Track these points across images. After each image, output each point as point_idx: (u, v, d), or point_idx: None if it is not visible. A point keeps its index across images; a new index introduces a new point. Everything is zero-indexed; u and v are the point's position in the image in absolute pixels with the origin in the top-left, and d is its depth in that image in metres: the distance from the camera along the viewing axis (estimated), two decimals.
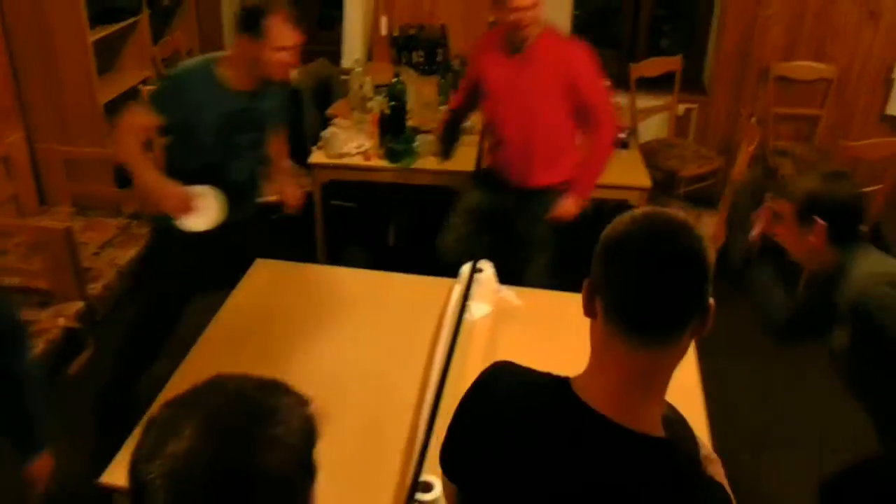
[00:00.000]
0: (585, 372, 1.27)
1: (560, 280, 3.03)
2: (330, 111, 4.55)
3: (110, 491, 2.03)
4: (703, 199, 4.76)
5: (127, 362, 3.03)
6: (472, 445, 1.32)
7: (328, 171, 3.99)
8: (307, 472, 1.02)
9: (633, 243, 1.17)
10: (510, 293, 2.75)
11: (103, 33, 4.19)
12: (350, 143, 4.01)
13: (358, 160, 3.94)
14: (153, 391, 2.32)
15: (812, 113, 4.94)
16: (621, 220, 1.20)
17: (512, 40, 3.23)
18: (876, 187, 3.95)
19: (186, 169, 2.76)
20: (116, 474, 2.02)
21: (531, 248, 3.49)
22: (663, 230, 1.16)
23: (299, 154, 4.42)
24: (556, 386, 1.27)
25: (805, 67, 4.87)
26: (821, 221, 2.10)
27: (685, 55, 4.99)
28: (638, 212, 1.22)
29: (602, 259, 1.20)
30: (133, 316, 3.07)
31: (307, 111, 4.47)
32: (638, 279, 1.14)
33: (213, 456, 0.94)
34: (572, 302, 2.70)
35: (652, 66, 4.93)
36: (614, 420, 1.17)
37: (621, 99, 4.80)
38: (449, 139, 3.72)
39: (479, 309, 2.66)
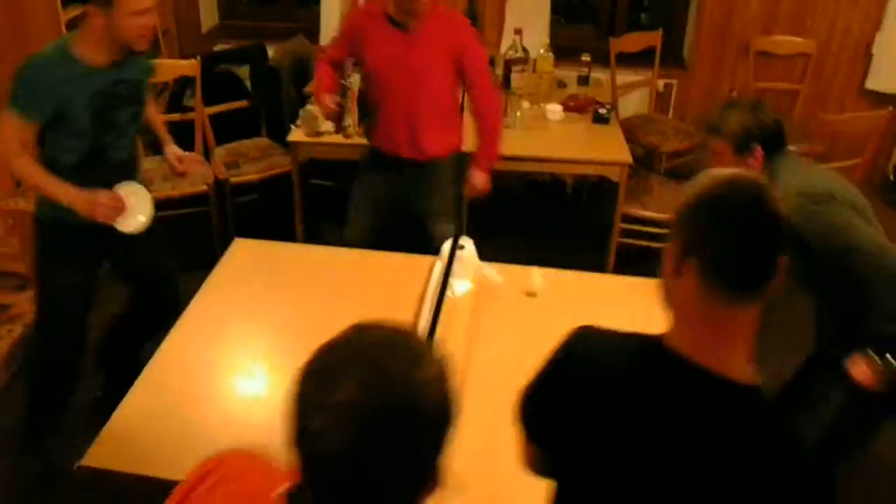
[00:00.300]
0: (674, 330, 1.32)
1: (539, 256, 3.03)
2: (308, 89, 4.51)
3: (92, 472, 2.02)
4: (684, 175, 4.76)
5: (47, 379, 2.96)
6: (570, 410, 1.38)
7: (307, 149, 3.96)
8: (454, 411, 1.06)
9: (735, 207, 1.24)
10: (491, 270, 2.75)
11: (76, 12, 4.12)
12: (328, 122, 3.97)
13: (337, 138, 3.90)
14: (133, 374, 2.30)
15: (792, 87, 4.95)
16: (711, 184, 1.27)
17: (403, 12, 3.09)
18: (854, 161, 3.95)
19: (67, 162, 2.59)
20: (95, 457, 2.01)
21: (437, 219, 3.42)
22: (756, 193, 1.24)
23: (277, 132, 4.40)
24: (651, 344, 1.33)
25: (785, 42, 4.87)
26: (759, 149, 2.32)
27: (665, 30, 4.97)
28: (723, 175, 1.29)
29: (700, 221, 1.26)
30: (38, 328, 2.99)
31: (285, 89, 4.43)
32: (742, 240, 1.23)
33: (377, 401, 0.98)
34: (553, 276, 2.74)
35: (631, 41, 4.90)
36: (715, 372, 1.25)
37: (601, 74, 4.79)
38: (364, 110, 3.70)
39: (460, 286, 2.65)
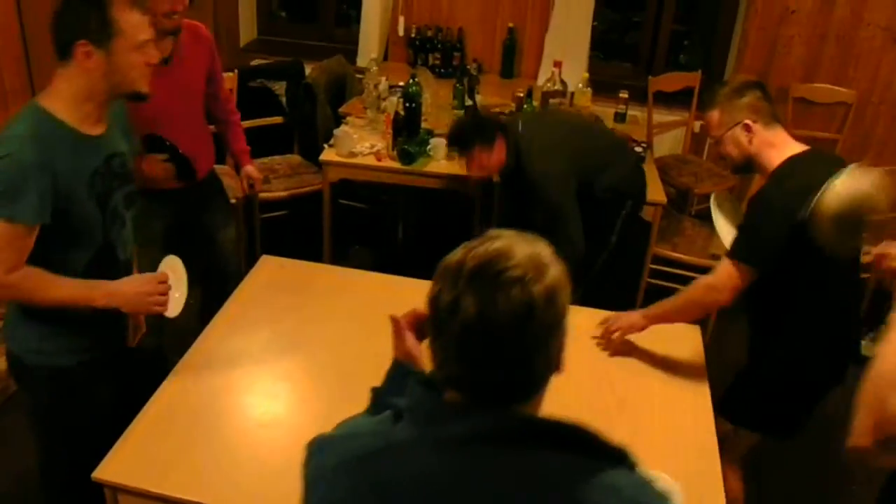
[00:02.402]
0: None
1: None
2: (343, 109, 4.50)
3: (105, 487, 1.98)
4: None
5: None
6: None
7: (339, 170, 3.94)
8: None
9: None
10: None
11: None
12: (362, 143, 3.96)
13: (369, 160, 3.88)
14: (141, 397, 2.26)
15: (829, 136, 4.88)
16: None
17: (161, 44, 2.59)
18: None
19: (69, 274, 2.01)
20: (109, 470, 1.97)
21: (221, 230, 3.32)
22: None
23: (310, 150, 4.39)
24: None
25: (825, 90, 4.81)
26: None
27: (704, 71, 4.93)
28: None
29: None
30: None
31: (320, 108, 4.42)
32: None
33: (501, 306, 1.06)
34: (583, 315, 2.69)
35: (670, 81, 4.87)
36: None
37: (637, 112, 4.76)
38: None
39: None
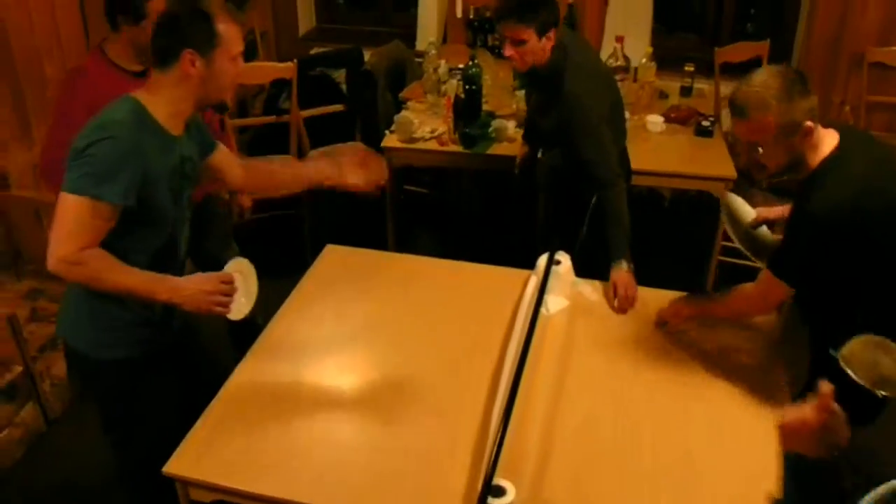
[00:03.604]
0: None
1: (636, 274, 2.91)
2: (403, 94, 4.47)
3: (176, 481, 2.00)
4: (788, 191, 4.56)
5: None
6: None
7: (401, 155, 3.91)
8: None
9: None
10: (587, 287, 2.65)
11: None
12: (424, 128, 3.93)
13: (432, 145, 3.85)
14: (219, 380, 2.28)
15: None
16: None
17: (137, 58, 2.67)
18: None
19: (134, 261, 2.03)
20: (178, 464, 1.99)
21: (224, 254, 3.10)
22: None
23: (372, 137, 4.37)
24: None
25: None
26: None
27: (773, 40, 4.77)
28: None
29: None
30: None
31: (381, 94, 4.40)
32: None
33: None
34: (651, 296, 2.63)
35: (737, 51, 4.72)
36: None
37: (704, 85, 4.63)
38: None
39: (555, 303, 2.56)
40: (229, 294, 2.06)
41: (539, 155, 3.42)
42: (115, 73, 2.66)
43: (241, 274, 2.18)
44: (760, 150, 2.10)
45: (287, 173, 2.59)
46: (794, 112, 2.03)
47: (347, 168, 2.50)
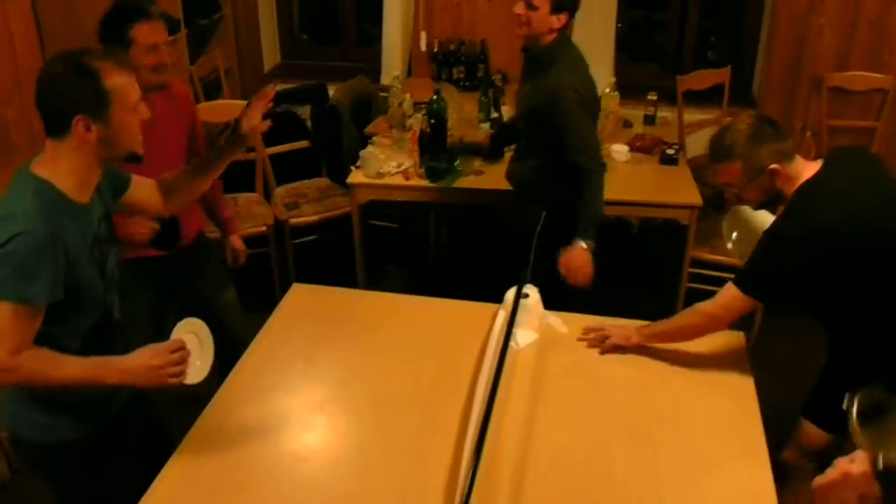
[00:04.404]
0: None
1: (604, 302, 2.90)
2: (369, 129, 4.47)
3: None
4: None
5: None
6: None
7: (367, 191, 3.90)
8: None
9: None
10: (557, 320, 2.63)
11: None
12: (389, 162, 3.92)
13: (397, 179, 3.84)
14: (189, 420, 2.23)
15: (868, 125, 4.75)
16: None
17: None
18: None
19: (68, 348, 1.91)
20: None
21: (219, 294, 3.15)
22: None
23: (338, 172, 4.36)
24: None
25: (860, 77, 4.69)
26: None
27: (733, 66, 4.84)
28: None
29: None
30: None
31: (345, 129, 4.40)
32: None
33: None
34: (619, 323, 2.62)
35: (699, 79, 4.79)
36: None
37: (667, 113, 4.67)
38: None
39: (524, 337, 2.54)
40: (181, 362, 1.94)
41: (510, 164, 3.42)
42: None
43: (196, 335, 2.08)
44: (734, 190, 2.30)
45: (198, 163, 2.40)
46: (759, 158, 2.21)
47: (244, 120, 2.28)
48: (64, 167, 1.88)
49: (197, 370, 2.03)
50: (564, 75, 2.93)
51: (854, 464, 1.48)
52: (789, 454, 2.52)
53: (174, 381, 1.93)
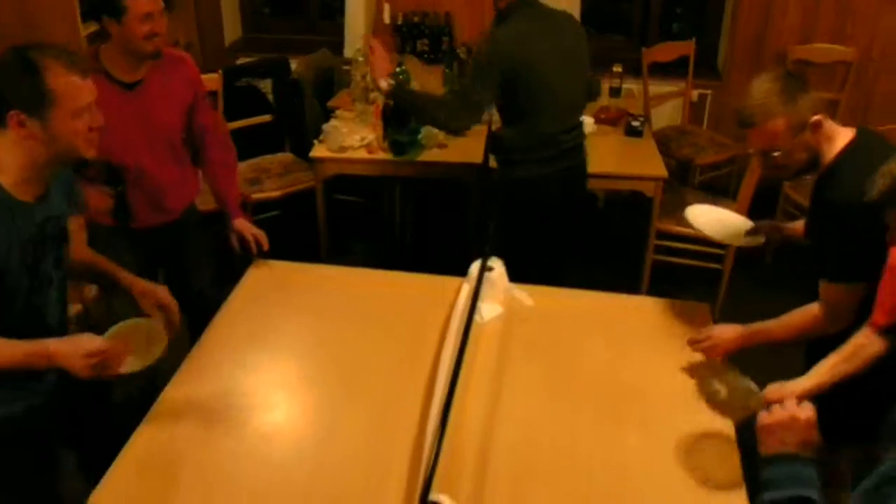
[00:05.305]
0: None
1: (570, 275, 2.90)
2: (331, 103, 4.41)
3: None
4: (720, 188, 4.61)
5: None
6: None
7: (331, 166, 3.85)
8: None
9: None
10: (522, 293, 2.61)
11: (96, 27, 4.05)
12: (353, 136, 3.87)
13: (361, 153, 3.80)
14: (147, 403, 2.19)
15: (831, 97, 4.76)
16: None
17: (131, 64, 2.58)
18: None
19: None
20: (105, 499, 1.90)
21: (195, 273, 3.09)
22: None
23: (301, 147, 4.30)
24: None
25: (823, 50, 4.70)
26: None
27: (698, 39, 4.83)
28: None
29: None
30: None
31: (308, 104, 4.33)
32: None
33: None
34: (586, 299, 2.61)
35: (664, 51, 4.76)
36: None
37: (633, 85, 4.66)
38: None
39: (489, 310, 2.52)
40: (107, 361, 1.87)
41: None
42: (103, 82, 2.45)
43: (145, 332, 2.07)
44: (776, 154, 2.12)
45: (94, 272, 2.31)
46: (800, 110, 2.07)
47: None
48: (4, 160, 1.83)
49: (134, 361, 2.00)
50: (500, 30, 2.93)
51: (802, 409, 1.51)
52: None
53: (107, 372, 1.89)
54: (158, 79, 2.65)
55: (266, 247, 2.87)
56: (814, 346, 2.31)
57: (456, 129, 3.18)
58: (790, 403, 1.53)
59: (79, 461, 2.44)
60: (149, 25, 2.48)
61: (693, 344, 2.35)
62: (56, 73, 1.79)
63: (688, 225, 2.79)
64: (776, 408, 1.54)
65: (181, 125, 2.80)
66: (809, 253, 2.29)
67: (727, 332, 2.30)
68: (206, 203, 3.15)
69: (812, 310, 2.21)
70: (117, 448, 2.02)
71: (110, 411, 2.41)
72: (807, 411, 1.50)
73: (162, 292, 2.25)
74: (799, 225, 2.57)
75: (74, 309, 3.40)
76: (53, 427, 2.18)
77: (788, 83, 2.09)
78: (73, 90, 1.82)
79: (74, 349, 1.84)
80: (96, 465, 1.99)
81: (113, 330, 2.01)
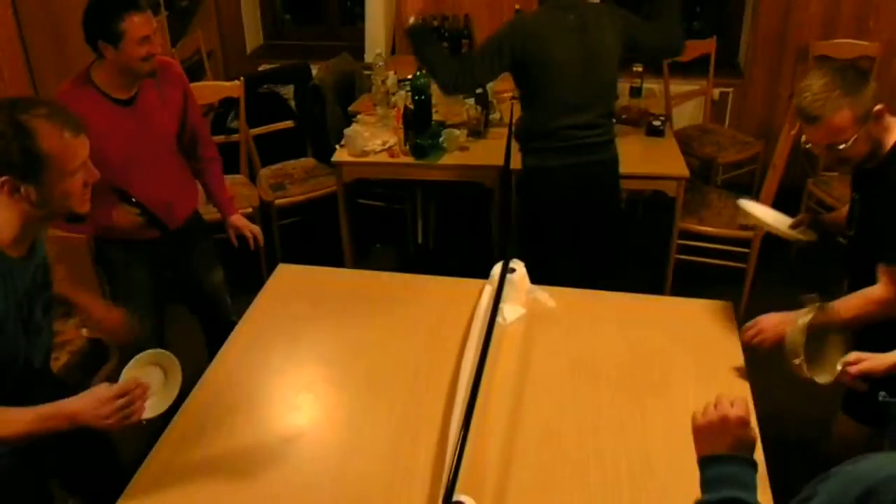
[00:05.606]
0: None
1: (593, 276, 2.90)
2: (353, 108, 4.44)
3: None
4: (743, 187, 4.59)
5: None
6: None
7: (352, 170, 3.87)
8: None
9: None
10: (544, 294, 2.62)
11: None
12: (374, 140, 3.89)
13: (383, 157, 3.82)
14: (170, 410, 2.21)
15: None
16: None
17: (126, 82, 2.60)
18: None
19: None
20: (134, 496, 1.92)
21: (207, 274, 3.13)
22: None
23: (323, 152, 4.33)
24: None
25: (846, 45, 4.66)
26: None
27: (719, 37, 4.80)
28: None
29: None
30: None
31: (330, 109, 4.36)
32: None
33: None
34: (609, 300, 2.61)
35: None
36: None
37: (653, 85, 4.64)
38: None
39: (511, 312, 2.52)
40: (131, 404, 1.81)
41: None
42: (101, 101, 2.53)
43: (159, 366, 2.01)
44: (841, 147, 2.12)
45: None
46: (864, 100, 2.08)
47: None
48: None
49: (158, 402, 1.97)
50: (523, 16, 3.07)
51: (734, 408, 1.48)
52: (831, 451, 2.50)
53: (128, 422, 1.82)
54: (153, 89, 2.69)
55: (262, 243, 3.02)
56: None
57: (445, 90, 3.18)
58: (724, 403, 1.49)
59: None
60: (146, 48, 2.51)
61: (745, 339, 2.34)
62: (49, 136, 1.72)
63: (745, 218, 2.75)
64: (709, 408, 1.51)
65: (178, 130, 2.84)
66: (847, 244, 2.33)
67: (774, 319, 2.28)
68: (210, 213, 3.20)
69: (873, 293, 2.19)
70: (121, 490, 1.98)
71: (113, 450, 2.36)
72: (738, 410, 1.47)
73: (114, 317, 2.25)
74: (836, 216, 2.57)
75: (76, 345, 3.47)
76: (46, 468, 2.13)
77: (848, 75, 2.09)
78: (68, 151, 1.76)
79: (94, 404, 1.78)
80: None
81: (126, 373, 1.93)
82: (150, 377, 1.95)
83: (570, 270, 3.20)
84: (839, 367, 2.02)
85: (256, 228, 3.06)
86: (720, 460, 1.45)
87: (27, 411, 1.77)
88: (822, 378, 2.06)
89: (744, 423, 1.46)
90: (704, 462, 1.48)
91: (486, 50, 3.05)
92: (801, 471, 1.53)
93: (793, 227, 2.65)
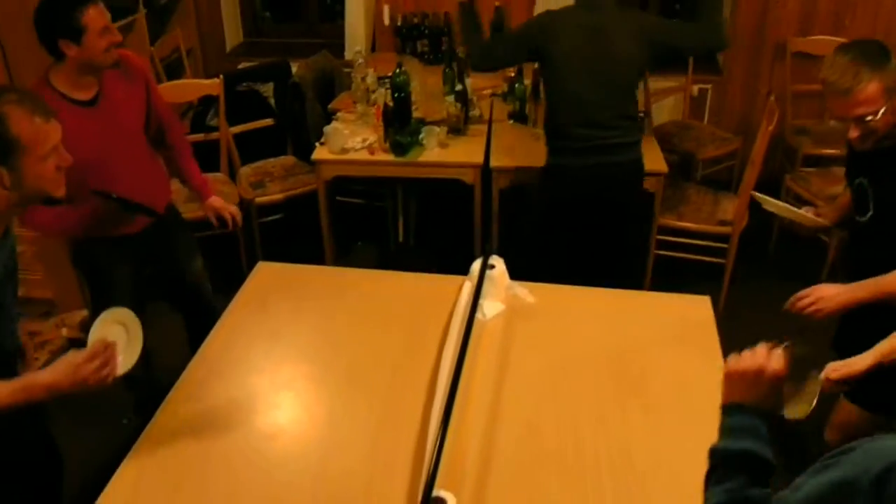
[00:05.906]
0: None
1: (572, 272, 2.90)
2: (333, 105, 4.43)
3: None
4: (722, 183, 4.61)
5: None
6: None
7: (332, 167, 3.86)
8: None
9: None
10: (523, 290, 2.62)
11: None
12: (354, 138, 3.89)
13: (362, 155, 3.81)
14: (150, 410, 2.21)
15: None
16: None
17: (85, 82, 2.58)
18: None
19: None
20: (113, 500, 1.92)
21: (188, 263, 3.14)
22: None
23: (304, 150, 4.32)
24: None
25: (823, 42, 4.69)
26: None
27: None
28: None
29: None
30: None
31: (310, 106, 4.35)
32: None
33: None
34: (588, 295, 2.62)
35: None
36: None
37: None
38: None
39: (491, 308, 2.53)
40: (105, 364, 1.85)
41: None
42: (63, 105, 2.48)
43: (121, 324, 2.02)
44: (869, 119, 2.11)
45: None
46: (892, 72, 2.08)
47: None
48: None
49: (126, 358, 1.99)
50: (549, 13, 3.22)
51: (773, 361, 1.45)
52: (831, 435, 2.52)
53: (104, 382, 1.86)
54: (115, 85, 2.66)
55: (240, 224, 3.06)
56: (841, 338, 2.34)
57: (473, 67, 3.54)
58: (762, 351, 1.46)
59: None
60: (107, 38, 2.50)
61: (796, 306, 2.27)
62: (20, 120, 1.76)
63: (766, 205, 2.71)
64: (746, 354, 1.48)
65: (144, 123, 2.83)
66: (857, 231, 2.33)
67: (832, 290, 2.23)
68: (189, 211, 3.19)
69: None
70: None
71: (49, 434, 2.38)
72: (776, 364, 1.43)
73: None
74: (836, 206, 2.60)
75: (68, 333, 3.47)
76: None
77: (870, 47, 2.10)
78: (39, 135, 1.80)
79: (69, 370, 1.81)
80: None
81: (92, 335, 1.95)
82: (115, 336, 1.98)
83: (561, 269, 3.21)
84: (814, 403, 1.99)
85: (235, 209, 3.06)
86: (747, 410, 1.44)
87: (2, 384, 1.79)
88: (799, 413, 2.06)
89: (779, 378, 1.44)
90: (730, 408, 1.47)
91: (511, 36, 3.38)
92: (791, 462, 1.55)
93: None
